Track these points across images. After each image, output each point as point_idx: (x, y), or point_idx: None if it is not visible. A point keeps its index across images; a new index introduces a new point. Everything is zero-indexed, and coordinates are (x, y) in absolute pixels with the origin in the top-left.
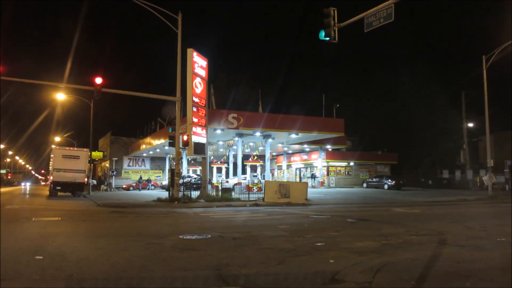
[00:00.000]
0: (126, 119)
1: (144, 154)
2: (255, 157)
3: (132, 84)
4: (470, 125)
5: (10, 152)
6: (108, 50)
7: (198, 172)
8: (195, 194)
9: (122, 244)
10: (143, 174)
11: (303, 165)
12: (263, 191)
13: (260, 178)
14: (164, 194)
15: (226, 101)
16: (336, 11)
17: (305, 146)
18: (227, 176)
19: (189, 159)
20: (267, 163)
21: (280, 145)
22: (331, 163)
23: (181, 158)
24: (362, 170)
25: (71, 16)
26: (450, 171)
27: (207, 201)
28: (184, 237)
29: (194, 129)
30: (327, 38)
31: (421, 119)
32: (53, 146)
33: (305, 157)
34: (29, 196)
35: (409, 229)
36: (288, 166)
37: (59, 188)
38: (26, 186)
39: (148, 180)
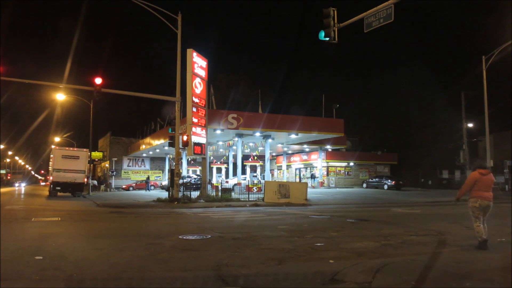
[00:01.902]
0: (125, 119)
1: (144, 155)
2: (255, 158)
3: (132, 84)
4: (470, 125)
5: (10, 152)
6: (108, 50)
7: (198, 173)
8: (195, 194)
9: (121, 244)
10: (143, 174)
11: (303, 165)
12: (262, 192)
13: (259, 179)
14: (164, 194)
15: (226, 101)
16: (335, 12)
17: (305, 146)
18: (226, 176)
19: (189, 159)
20: (267, 164)
21: (279, 145)
22: (331, 163)
23: (181, 158)
24: (362, 170)
25: (70, 16)
26: (449, 171)
27: (206, 201)
28: (184, 238)
29: (193, 129)
30: (327, 39)
31: (420, 119)
32: (52, 147)
33: (304, 157)
34: (23, 198)
35: (408, 229)
36: (288, 167)
37: (58, 188)
38: (21, 187)
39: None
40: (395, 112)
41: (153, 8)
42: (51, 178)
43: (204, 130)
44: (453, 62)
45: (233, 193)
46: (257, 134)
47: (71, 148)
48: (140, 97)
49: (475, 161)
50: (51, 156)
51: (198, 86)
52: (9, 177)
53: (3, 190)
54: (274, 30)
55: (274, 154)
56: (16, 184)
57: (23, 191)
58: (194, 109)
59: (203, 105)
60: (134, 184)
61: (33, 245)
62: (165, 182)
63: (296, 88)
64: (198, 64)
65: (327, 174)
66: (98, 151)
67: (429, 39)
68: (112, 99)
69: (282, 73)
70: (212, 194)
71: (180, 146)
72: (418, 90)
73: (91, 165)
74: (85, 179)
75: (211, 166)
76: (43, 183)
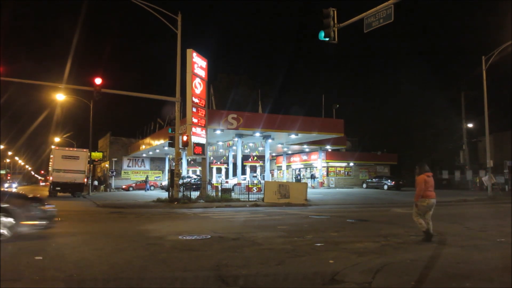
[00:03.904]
0: (125, 119)
1: (144, 155)
2: (255, 158)
3: (131, 85)
4: (470, 125)
5: (9, 153)
6: (108, 51)
7: (198, 173)
8: (194, 194)
9: (121, 244)
10: (142, 174)
11: (302, 165)
12: (262, 192)
13: (259, 179)
14: (164, 194)
15: (226, 102)
16: (335, 12)
17: (305, 146)
18: (226, 176)
19: (189, 159)
20: (267, 164)
21: (279, 145)
22: (331, 164)
23: (181, 158)
24: (362, 170)
25: (70, 17)
26: (449, 171)
27: (206, 201)
28: (184, 238)
29: (193, 129)
30: (327, 39)
31: (420, 119)
32: (52, 147)
33: (304, 157)
34: None
35: (408, 229)
36: (288, 167)
37: (58, 188)
38: (12, 188)
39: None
40: (395, 112)
41: (153, 9)
42: (51, 178)
43: (204, 130)
44: (453, 63)
45: (233, 194)
46: (257, 134)
47: (71, 149)
48: (140, 97)
49: (422, 166)
50: (51, 156)
51: (198, 86)
52: (9, 177)
53: None
54: (274, 30)
55: (274, 154)
56: (6, 185)
57: None
58: (194, 109)
59: (203, 105)
60: (134, 185)
61: (33, 245)
62: (165, 182)
63: (296, 88)
64: (198, 64)
65: (327, 175)
66: (98, 151)
67: (429, 39)
68: (112, 99)
69: (282, 73)
70: (212, 195)
71: (180, 146)
72: (418, 90)
73: (91, 165)
74: (85, 179)
75: (211, 166)
76: (43, 184)
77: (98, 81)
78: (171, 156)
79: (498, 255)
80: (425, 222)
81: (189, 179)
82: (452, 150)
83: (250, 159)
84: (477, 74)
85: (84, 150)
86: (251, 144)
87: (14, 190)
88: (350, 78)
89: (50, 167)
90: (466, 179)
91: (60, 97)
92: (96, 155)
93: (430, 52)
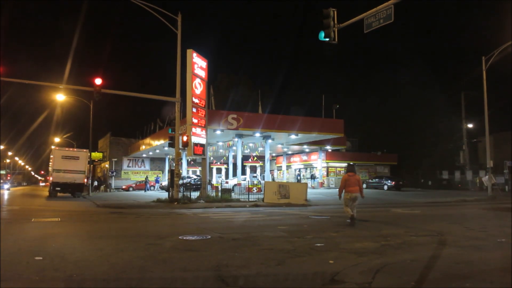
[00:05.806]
0: (125, 119)
1: (144, 155)
2: (255, 158)
3: (131, 85)
4: (470, 126)
5: (9, 153)
6: (108, 51)
7: (198, 173)
8: (194, 195)
9: (121, 245)
10: (142, 174)
11: (302, 165)
12: (262, 192)
13: (259, 179)
14: (164, 194)
15: (226, 102)
16: (335, 12)
17: (305, 147)
18: (226, 177)
19: (189, 159)
20: (267, 164)
21: (279, 146)
22: (331, 164)
23: (181, 159)
24: (362, 171)
25: (70, 17)
26: (449, 172)
27: (206, 202)
28: (184, 238)
29: (193, 129)
30: (327, 39)
31: (420, 120)
32: (52, 147)
33: (304, 157)
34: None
35: (408, 230)
36: (288, 167)
37: (58, 189)
38: (4, 189)
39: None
40: (395, 113)
41: (153, 9)
42: (51, 178)
43: (204, 131)
44: (453, 62)
45: (233, 194)
46: (257, 134)
47: (71, 149)
48: (140, 98)
49: (348, 167)
50: (51, 156)
51: (198, 87)
52: (9, 178)
53: None
54: (274, 30)
55: (274, 154)
56: None
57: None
58: (194, 110)
59: (203, 106)
60: (134, 185)
61: (33, 246)
62: (165, 183)
63: (296, 88)
64: (198, 64)
65: (327, 175)
66: (98, 152)
67: (429, 39)
68: (112, 99)
69: (282, 73)
70: (212, 195)
71: (180, 146)
72: (418, 90)
73: (91, 165)
74: (85, 180)
75: (211, 166)
76: (43, 184)
77: (98, 81)
78: (171, 157)
79: (498, 255)
80: (351, 210)
81: (189, 180)
82: (452, 150)
83: (250, 159)
84: (477, 74)
85: (84, 150)
86: (251, 144)
87: (6, 191)
88: (350, 78)
89: (50, 168)
90: (466, 179)
91: (60, 97)
92: (96, 155)
93: (430, 52)
